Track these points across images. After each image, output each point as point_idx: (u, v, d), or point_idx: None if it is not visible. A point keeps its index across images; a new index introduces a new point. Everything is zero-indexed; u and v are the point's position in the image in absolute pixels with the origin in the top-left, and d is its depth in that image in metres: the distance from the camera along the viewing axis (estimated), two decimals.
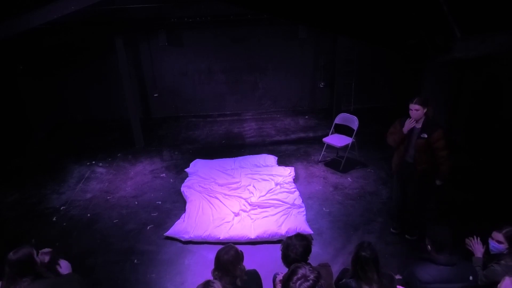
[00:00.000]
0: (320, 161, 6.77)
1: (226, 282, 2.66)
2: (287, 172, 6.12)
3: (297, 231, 4.67)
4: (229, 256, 2.74)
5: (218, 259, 2.76)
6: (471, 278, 2.77)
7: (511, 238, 2.97)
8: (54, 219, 5.53)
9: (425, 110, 4.10)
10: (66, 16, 5.15)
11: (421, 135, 4.16)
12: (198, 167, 6.46)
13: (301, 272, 2.16)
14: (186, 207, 5.44)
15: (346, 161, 6.47)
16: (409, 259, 4.44)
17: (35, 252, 2.74)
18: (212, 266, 2.80)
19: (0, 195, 6.14)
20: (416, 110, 4.10)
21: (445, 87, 7.11)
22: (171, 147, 7.64)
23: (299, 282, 2.12)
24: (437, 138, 4.09)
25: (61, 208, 5.77)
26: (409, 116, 4.21)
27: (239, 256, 2.82)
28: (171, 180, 6.44)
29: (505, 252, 2.97)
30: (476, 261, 3.12)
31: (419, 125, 4.20)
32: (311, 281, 2.11)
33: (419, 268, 2.83)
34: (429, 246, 2.89)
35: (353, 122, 6.46)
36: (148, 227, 5.26)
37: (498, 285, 2.47)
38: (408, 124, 4.16)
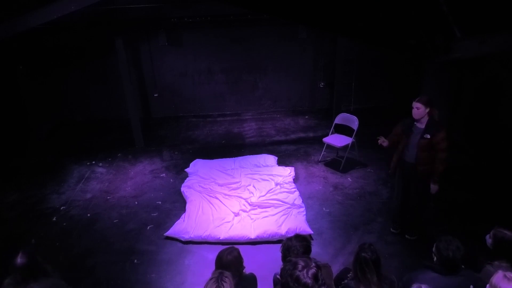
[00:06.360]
0: (320, 161, 6.76)
1: None
2: (287, 172, 6.12)
3: (297, 231, 4.68)
4: (232, 257, 2.75)
5: (220, 259, 2.76)
6: (471, 287, 2.70)
7: (496, 237, 2.95)
8: (54, 219, 5.53)
9: (427, 110, 4.07)
10: (66, 16, 5.15)
11: (424, 135, 4.13)
12: (198, 167, 6.46)
13: (301, 262, 2.15)
14: (186, 207, 5.44)
15: (346, 161, 6.47)
16: (409, 259, 4.45)
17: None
18: (212, 266, 2.80)
19: (0, 195, 6.14)
20: (417, 108, 4.09)
21: (445, 87, 7.10)
22: (171, 147, 7.64)
23: (305, 270, 2.10)
24: (440, 139, 4.08)
25: (61, 208, 5.77)
26: (410, 116, 4.22)
27: (241, 258, 2.83)
28: (171, 180, 6.44)
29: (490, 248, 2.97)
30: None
31: (422, 126, 4.17)
32: (314, 269, 2.11)
33: (419, 276, 2.76)
34: (434, 257, 2.82)
35: (353, 122, 6.46)
36: (148, 227, 5.26)
37: (490, 279, 2.46)
38: (381, 142, 4.44)
